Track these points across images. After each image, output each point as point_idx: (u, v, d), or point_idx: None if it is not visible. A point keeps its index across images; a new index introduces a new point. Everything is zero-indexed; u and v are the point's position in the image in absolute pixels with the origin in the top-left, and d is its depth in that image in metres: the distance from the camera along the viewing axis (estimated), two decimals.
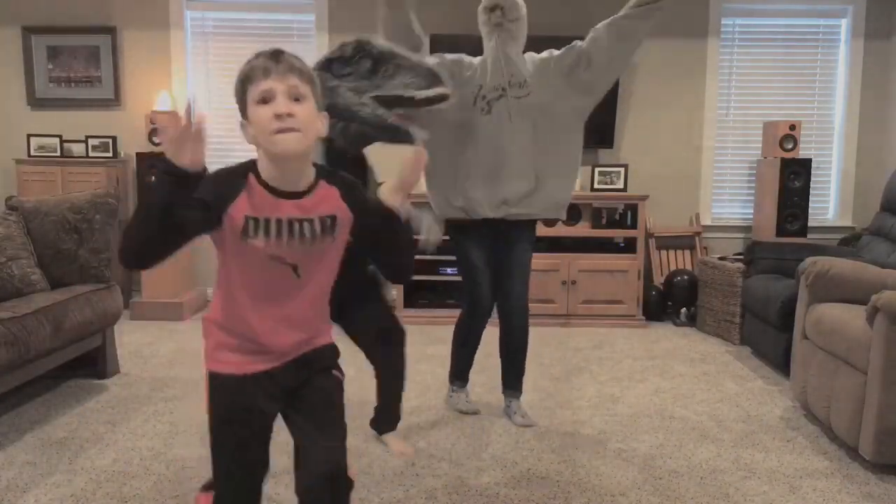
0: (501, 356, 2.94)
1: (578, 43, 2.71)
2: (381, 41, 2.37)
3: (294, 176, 1.38)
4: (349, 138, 2.35)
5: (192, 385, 3.23)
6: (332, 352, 1.55)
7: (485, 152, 2.71)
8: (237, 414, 1.44)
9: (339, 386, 1.53)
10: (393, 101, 2.31)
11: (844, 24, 4.90)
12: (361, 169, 2.45)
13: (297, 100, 1.32)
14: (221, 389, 1.45)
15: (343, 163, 2.19)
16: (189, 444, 2.59)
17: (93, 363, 3.31)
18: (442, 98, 2.31)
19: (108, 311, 3.22)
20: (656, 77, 4.91)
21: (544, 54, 2.79)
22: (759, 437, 2.75)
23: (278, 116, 1.29)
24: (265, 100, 1.31)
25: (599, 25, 2.70)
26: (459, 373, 3.02)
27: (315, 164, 1.43)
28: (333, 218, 1.42)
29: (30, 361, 2.74)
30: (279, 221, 1.37)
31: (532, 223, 2.89)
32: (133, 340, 4.02)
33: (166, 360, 3.67)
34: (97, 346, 3.28)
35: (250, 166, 1.38)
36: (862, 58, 4.87)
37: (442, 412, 2.97)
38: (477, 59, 2.77)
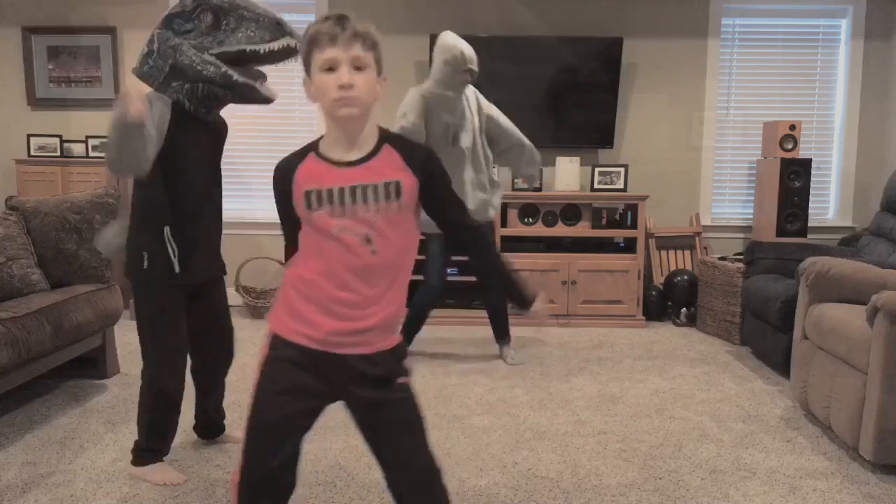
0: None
1: None
2: None
3: (355, 133, 1.43)
4: (196, 100, 2.18)
5: (189, 385, 3.22)
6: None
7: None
8: None
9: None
10: (238, 58, 2.12)
11: (844, 24, 4.90)
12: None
13: (359, 69, 1.38)
14: None
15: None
16: (188, 444, 2.59)
17: (93, 363, 3.31)
18: (290, 51, 2.14)
19: (108, 311, 3.21)
20: (656, 77, 4.91)
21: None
22: (759, 437, 2.75)
23: (341, 87, 1.36)
24: (330, 68, 1.37)
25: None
26: None
27: (380, 128, 1.47)
28: (398, 183, 1.43)
29: (30, 361, 2.74)
30: (341, 190, 1.41)
31: None
32: (133, 340, 3.99)
33: None
34: (97, 346, 3.28)
35: (312, 145, 1.46)
36: (862, 58, 4.87)
37: (442, 413, 2.97)
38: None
